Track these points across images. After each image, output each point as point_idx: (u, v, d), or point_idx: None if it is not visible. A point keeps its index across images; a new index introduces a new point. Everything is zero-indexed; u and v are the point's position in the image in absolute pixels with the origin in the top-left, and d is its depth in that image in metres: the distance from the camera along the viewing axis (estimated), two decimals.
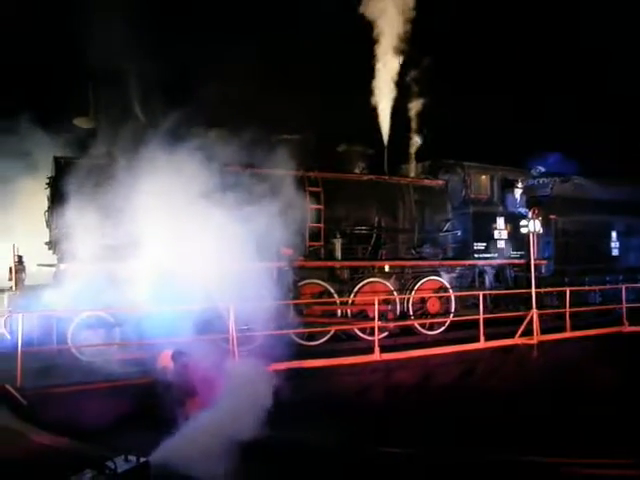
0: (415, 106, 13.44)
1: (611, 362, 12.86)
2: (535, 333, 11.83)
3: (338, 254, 10.92)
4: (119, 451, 6.00)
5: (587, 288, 13.78)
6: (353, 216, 11.48)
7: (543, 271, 13.32)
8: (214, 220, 9.61)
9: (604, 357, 12.95)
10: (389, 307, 11.34)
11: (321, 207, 10.98)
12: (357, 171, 12.08)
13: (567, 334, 12.67)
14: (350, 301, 11.24)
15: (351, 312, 11.30)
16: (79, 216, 9.09)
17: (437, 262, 12.01)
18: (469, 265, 12.50)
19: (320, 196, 10.97)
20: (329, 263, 10.83)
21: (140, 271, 9.20)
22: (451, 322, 12.30)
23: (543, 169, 13.96)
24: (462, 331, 12.12)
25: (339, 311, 11.19)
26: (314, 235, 10.92)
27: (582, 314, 14.23)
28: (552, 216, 13.44)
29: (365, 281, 11.40)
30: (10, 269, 8.71)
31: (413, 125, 13.49)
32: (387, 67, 12.48)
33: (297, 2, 13.59)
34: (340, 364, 10.11)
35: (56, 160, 9.47)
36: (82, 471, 5.50)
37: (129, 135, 9.57)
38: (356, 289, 11.29)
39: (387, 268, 11.53)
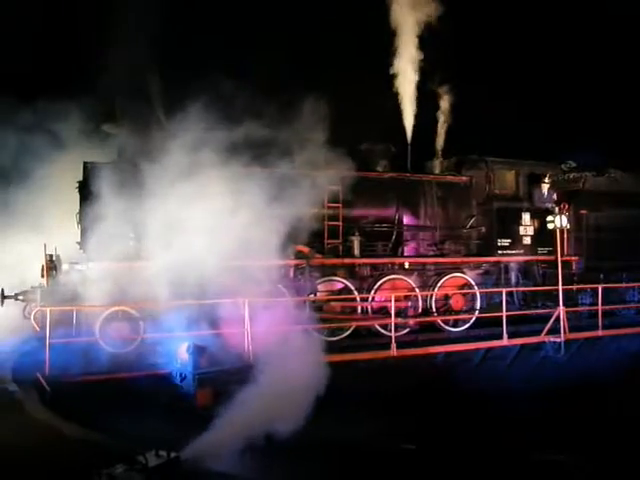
0: (443, 102, 13.44)
1: None
2: (562, 331, 11.60)
3: (356, 251, 11.09)
4: (150, 446, 6.17)
5: (623, 285, 13.35)
6: (373, 214, 11.62)
7: (574, 268, 12.98)
8: (232, 218, 10.06)
9: (638, 356, 12.55)
10: (409, 304, 11.43)
11: (339, 205, 11.17)
12: (379, 169, 12.18)
13: (600, 332, 12.33)
14: (370, 298, 11.39)
15: (371, 308, 11.46)
16: (105, 218, 9.74)
17: (459, 259, 11.97)
18: (494, 262, 12.36)
19: (338, 195, 11.17)
20: (346, 260, 11.00)
21: (163, 269, 9.71)
22: (478, 320, 12.22)
23: (574, 164, 13.56)
24: (488, 328, 12.03)
25: (359, 307, 11.37)
26: (332, 233, 11.13)
27: (621, 312, 13.80)
28: (583, 211, 13.06)
29: (386, 278, 11.52)
30: (42, 267, 9.40)
31: (441, 120, 13.50)
32: (410, 62, 12.53)
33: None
34: (355, 359, 10.29)
35: (84, 165, 10.12)
36: (114, 465, 5.72)
37: (153, 139, 10.08)
38: (376, 286, 11.43)
39: (407, 265, 11.61)
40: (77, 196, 10.30)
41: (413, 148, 13.42)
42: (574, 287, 12.50)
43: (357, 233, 11.15)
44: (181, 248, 9.54)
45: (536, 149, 13.61)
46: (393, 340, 10.40)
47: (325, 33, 12.82)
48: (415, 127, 13.31)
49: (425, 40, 12.69)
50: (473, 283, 12.22)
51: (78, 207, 10.14)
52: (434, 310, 11.89)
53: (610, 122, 17.15)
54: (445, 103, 13.24)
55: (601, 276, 13.25)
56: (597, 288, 12.31)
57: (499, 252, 12.28)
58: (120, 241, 9.87)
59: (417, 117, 13.40)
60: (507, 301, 12.16)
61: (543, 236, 12.54)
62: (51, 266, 9.36)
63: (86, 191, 9.83)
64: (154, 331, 9.53)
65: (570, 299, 12.95)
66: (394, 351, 10.39)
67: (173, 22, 10.99)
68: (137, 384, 8.74)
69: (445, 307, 12.05)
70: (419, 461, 8.74)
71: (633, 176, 14.10)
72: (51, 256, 9.48)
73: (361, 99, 13.29)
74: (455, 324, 12.13)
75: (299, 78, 12.40)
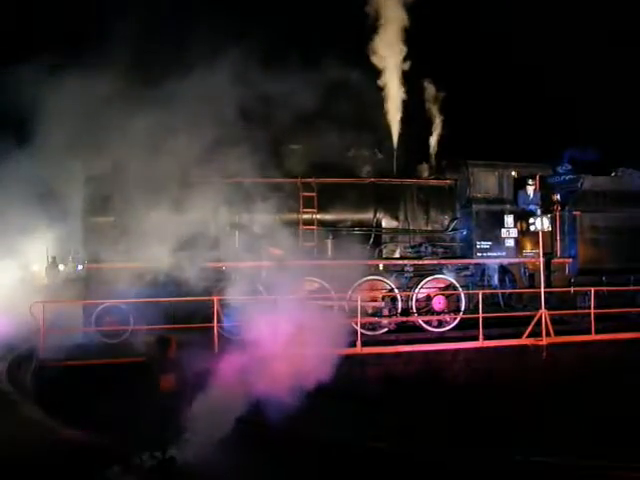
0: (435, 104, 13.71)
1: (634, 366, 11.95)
2: (543, 334, 11.51)
3: (329, 253, 11.75)
4: (146, 447, 6.45)
5: (619, 288, 12.83)
6: (350, 218, 12.19)
7: (567, 270, 12.73)
8: (213, 224, 11.23)
9: (627, 360, 12.07)
10: (382, 304, 11.93)
11: (314, 210, 11.89)
12: (363, 174, 12.71)
13: (592, 336, 12.05)
14: (348, 297, 11.97)
15: (349, 308, 12.03)
16: (101, 225, 11.26)
17: (436, 260, 12.24)
18: (475, 264, 12.47)
19: (313, 201, 11.89)
20: (316, 262, 11.67)
21: (148, 270, 11.03)
22: (466, 321, 12.36)
23: (569, 166, 13.23)
24: (472, 330, 12.13)
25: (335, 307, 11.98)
26: (308, 236, 11.87)
27: (629, 316, 13.25)
28: (576, 212, 12.74)
29: (363, 279, 12.06)
30: (46, 268, 11.05)
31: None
32: (394, 66, 12.94)
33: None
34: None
35: (86, 178, 11.63)
36: (110, 466, 5.99)
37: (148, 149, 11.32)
38: (354, 286, 12.00)
39: (381, 266, 12.09)
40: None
41: (414, 151, 13.81)
42: (555, 290, 12.28)
43: (332, 236, 11.81)
44: (163, 252, 10.81)
45: (537, 150, 13.47)
46: (359, 338, 10.95)
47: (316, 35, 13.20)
48: (414, 129, 13.72)
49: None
50: (457, 285, 12.43)
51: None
52: (414, 311, 12.26)
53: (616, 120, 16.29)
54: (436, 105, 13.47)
55: (603, 278, 12.89)
56: (590, 290, 12.08)
57: (479, 254, 12.37)
58: (114, 245, 11.35)
59: (416, 119, 13.79)
60: (491, 303, 12.34)
61: (531, 238, 12.46)
62: (53, 266, 10.99)
63: (86, 201, 11.37)
64: (142, 324, 10.84)
65: (566, 302, 12.74)
66: (359, 348, 10.95)
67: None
68: (111, 369, 10.07)
69: (427, 308, 12.39)
70: (396, 461, 9.18)
71: None
72: (54, 258, 11.12)
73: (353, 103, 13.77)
74: (439, 325, 12.41)
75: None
